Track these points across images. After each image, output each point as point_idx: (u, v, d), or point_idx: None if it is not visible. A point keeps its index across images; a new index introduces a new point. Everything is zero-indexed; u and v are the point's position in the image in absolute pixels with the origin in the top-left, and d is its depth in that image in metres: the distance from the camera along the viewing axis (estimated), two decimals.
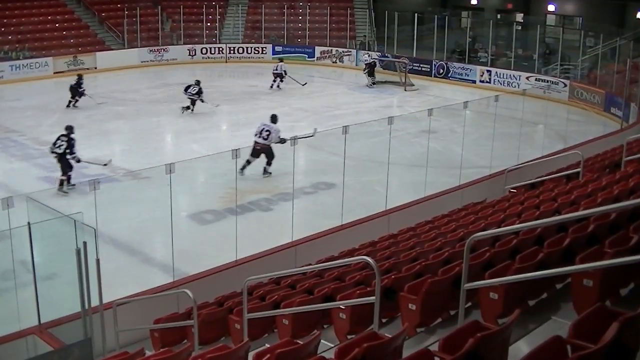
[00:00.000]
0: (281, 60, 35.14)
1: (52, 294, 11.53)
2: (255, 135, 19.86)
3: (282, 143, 18.78)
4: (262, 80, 35.30)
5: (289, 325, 8.80)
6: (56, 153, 18.68)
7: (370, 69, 34.55)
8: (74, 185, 18.14)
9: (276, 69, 33.57)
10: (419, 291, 7.66)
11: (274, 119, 20.29)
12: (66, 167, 18.67)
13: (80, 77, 29.32)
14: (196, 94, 27.60)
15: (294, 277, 10.72)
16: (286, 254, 13.12)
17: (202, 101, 27.44)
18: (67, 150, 18.56)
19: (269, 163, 19.85)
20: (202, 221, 16.87)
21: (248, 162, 19.59)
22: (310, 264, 11.34)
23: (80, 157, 18.66)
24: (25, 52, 35.76)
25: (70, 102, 28.53)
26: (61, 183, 18.38)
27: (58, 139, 18.79)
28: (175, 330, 10.39)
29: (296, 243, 13.47)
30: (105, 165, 19.07)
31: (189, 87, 27.76)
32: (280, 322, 9.06)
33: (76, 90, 28.63)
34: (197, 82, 27.90)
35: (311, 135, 20.43)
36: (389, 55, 37.71)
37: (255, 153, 19.75)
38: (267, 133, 19.77)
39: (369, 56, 35.31)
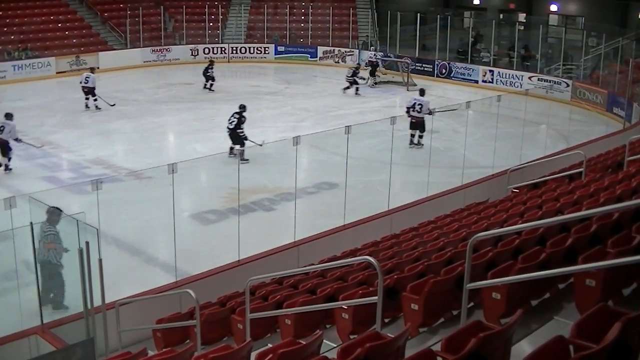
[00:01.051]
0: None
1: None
2: (409, 109, 21.88)
3: (431, 114, 21.04)
4: (264, 80, 35.36)
5: (291, 325, 8.80)
6: (228, 128, 21.08)
7: (372, 69, 34.56)
8: (247, 160, 19.65)
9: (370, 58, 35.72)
10: (422, 291, 7.66)
11: (422, 92, 22.63)
12: (237, 141, 20.95)
13: (211, 62, 32.52)
14: (352, 76, 31.97)
15: (296, 277, 10.72)
16: (289, 254, 13.12)
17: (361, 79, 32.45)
18: (237, 127, 21.02)
19: (420, 136, 21.81)
20: (204, 221, 16.87)
21: (412, 135, 21.90)
22: (312, 264, 11.35)
23: (246, 135, 20.96)
24: (28, 52, 35.78)
25: (205, 85, 31.95)
26: (230, 150, 20.75)
27: (232, 115, 21.28)
28: (177, 330, 10.40)
29: (299, 243, 13.48)
30: (261, 145, 20.43)
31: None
32: (282, 322, 9.07)
33: (207, 75, 31.68)
34: (358, 66, 32.82)
35: (454, 109, 22.48)
36: (391, 55, 37.69)
37: (413, 126, 21.87)
38: (420, 106, 21.62)
39: (374, 55, 35.45)
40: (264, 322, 9.39)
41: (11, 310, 11.87)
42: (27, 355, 10.14)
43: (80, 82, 27.82)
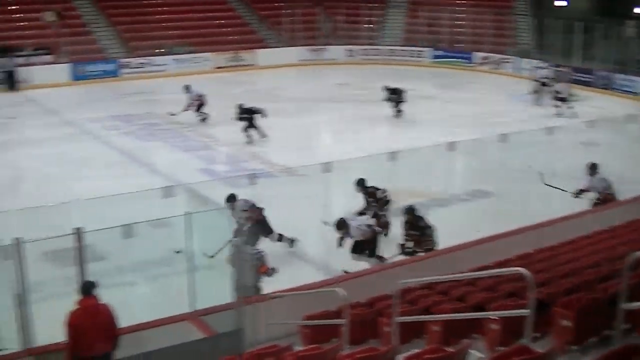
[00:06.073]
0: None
1: (207, 283, 11.89)
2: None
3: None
4: (420, 84, 35.07)
5: (439, 331, 8.75)
6: None
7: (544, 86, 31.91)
8: None
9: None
10: (573, 307, 7.47)
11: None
12: None
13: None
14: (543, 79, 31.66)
15: (445, 284, 10.65)
16: (439, 261, 13.01)
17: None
18: None
19: None
20: None
21: None
22: (462, 272, 11.24)
23: None
24: (186, 47, 37.13)
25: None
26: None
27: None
28: (324, 328, 10.47)
29: (450, 250, 13.36)
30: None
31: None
32: (429, 328, 9.02)
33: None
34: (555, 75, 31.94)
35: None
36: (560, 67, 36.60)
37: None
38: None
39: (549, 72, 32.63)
40: (411, 327, 9.36)
41: (164, 295, 12.32)
42: (177, 340, 10.45)
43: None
